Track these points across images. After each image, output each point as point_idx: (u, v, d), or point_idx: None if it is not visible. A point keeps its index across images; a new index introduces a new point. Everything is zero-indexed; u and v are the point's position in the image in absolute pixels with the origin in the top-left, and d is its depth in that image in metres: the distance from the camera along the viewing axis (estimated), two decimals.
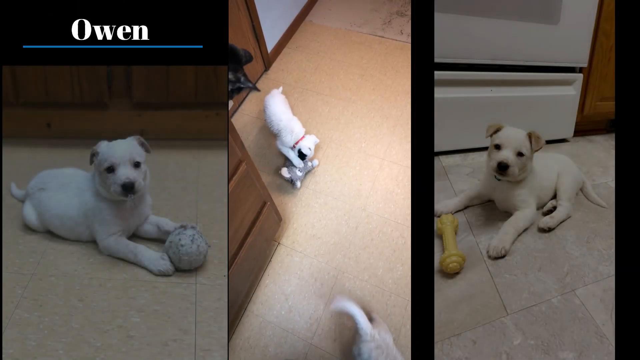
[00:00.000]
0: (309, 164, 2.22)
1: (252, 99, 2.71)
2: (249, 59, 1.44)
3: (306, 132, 2.24)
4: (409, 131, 2.46)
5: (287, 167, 2.22)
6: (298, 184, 2.19)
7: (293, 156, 2.20)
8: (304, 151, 2.11)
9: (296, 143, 2.15)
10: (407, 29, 3.20)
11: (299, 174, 2.17)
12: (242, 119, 2.60)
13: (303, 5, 3.23)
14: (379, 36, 3.12)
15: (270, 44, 2.84)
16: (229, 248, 1.38)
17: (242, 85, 1.40)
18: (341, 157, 2.36)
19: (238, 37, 2.42)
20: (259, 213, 1.60)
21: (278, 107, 2.22)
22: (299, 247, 2.02)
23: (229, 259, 1.42)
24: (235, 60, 1.40)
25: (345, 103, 2.64)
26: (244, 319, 1.84)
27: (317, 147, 2.39)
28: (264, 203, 1.63)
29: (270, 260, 1.96)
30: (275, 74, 2.87)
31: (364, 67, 2.87)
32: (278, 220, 1.87)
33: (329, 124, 2.50)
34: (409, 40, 3.11)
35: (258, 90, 1.48)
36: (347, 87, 2.74)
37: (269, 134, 2.50)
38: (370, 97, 2.66)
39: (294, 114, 2.31)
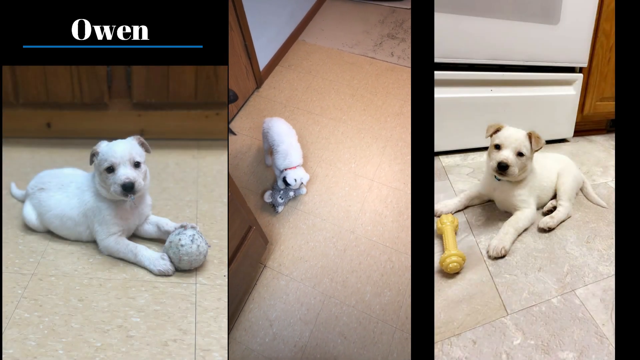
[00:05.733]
0: (291, 193, 2.16)
1: (241, 116, 2.69)
2: (233, 99, 1.41)
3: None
4: (398, 152, 2.44)
5: (271, 191, 2.18)
6: (279, 209, 2.15)
7: (279, 180, 2.16)
8: (288, 180, 2.05)
9: (286, 169, 2.10)
10: (398, 51, 3.23)
11: (280, 200, 2.12)
12: (232, 138, 2.57)
13: (297, 25, 3.25)
14: (370, 57, 3.14)
15: (263, 61, 2.84)
16: None
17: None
18: (331, 177, 2.32)
19: (230, 55, 2.40)
20: (244, 238, 1.55)
21: (282, 129, 2.18)
22: (286, 270, 1.95)
23: (229, 258, 1.42)
24: None
25: (335, 123, 2.62)
26: None
27: (305, 167, 2.32)
28: (249, 228, 1.58)
29: (255, 284, 1.89)
30: (266, 91, 2.85)
31: (355, 88, 2.87)
32: (264, 244, 1.80)
33: (319, 144, 2.48)
34: (400, 62, 3.13)
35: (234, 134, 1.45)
36: (338, 107, 2.73)
37: (260, 152, 2.46)
38: (360, 118, 2.65)
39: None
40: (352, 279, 1.92)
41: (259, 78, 2.83)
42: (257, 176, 2.33)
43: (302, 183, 2.07)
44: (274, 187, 2.18)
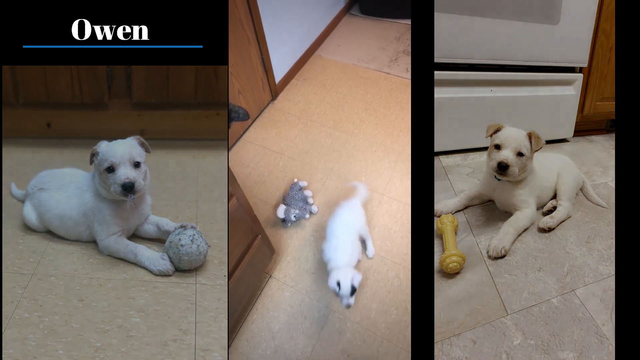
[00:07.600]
0: (307, 215, 2.10)
1: (256, 127, 2.71)
2: (244, 117, 1.45)
3: (307, 165, 2.14)
4: (409, 167, 2.40)
5: (285, 207, 2.04)
6: (289, 224, 2.08)
7: (299, 199, 2.08)
8: (330, 283, 1.60)
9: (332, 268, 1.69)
10: None
11: (294, 219, 2.05)
12: (246, 146, 2.58)
13: (314, 40, 3.31)
14: (385, 73, 3.15)
15: (279, 74, 2.89)
16: None
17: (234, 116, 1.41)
18: (340, 190, 2.28)
19: (246, 68, 2.46)
20: (249, 247, 1.52)
21: (342, 222, 1.81)
22: (291, 282, 1.90)
23: (228, 265, 1.42)
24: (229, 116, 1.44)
25: (347, 136, 2.62)
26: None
27: (316, 179, 2.32)
28: (255, 236, 1.56)
29: (260, 294, 1.86)
30: (281, 103, 2.90)
31: (368, 102, 2.88)
32: (270, 254, 1.77)
33: (330, 156, 2.47)
34: None
35: (248, 117, 1.48)
36: (351, 120, 2.74)
37: (271, 162, 2.44)
38: (373, 132, 2.65)
39: (296, 143, 2.23)
40: (357, 294, 1.83)
41: (275, 90, 2.87)
42: (268, 186, 2.33)
43: (352, 286, 1.57)
44: (287, 202, 2.10)
